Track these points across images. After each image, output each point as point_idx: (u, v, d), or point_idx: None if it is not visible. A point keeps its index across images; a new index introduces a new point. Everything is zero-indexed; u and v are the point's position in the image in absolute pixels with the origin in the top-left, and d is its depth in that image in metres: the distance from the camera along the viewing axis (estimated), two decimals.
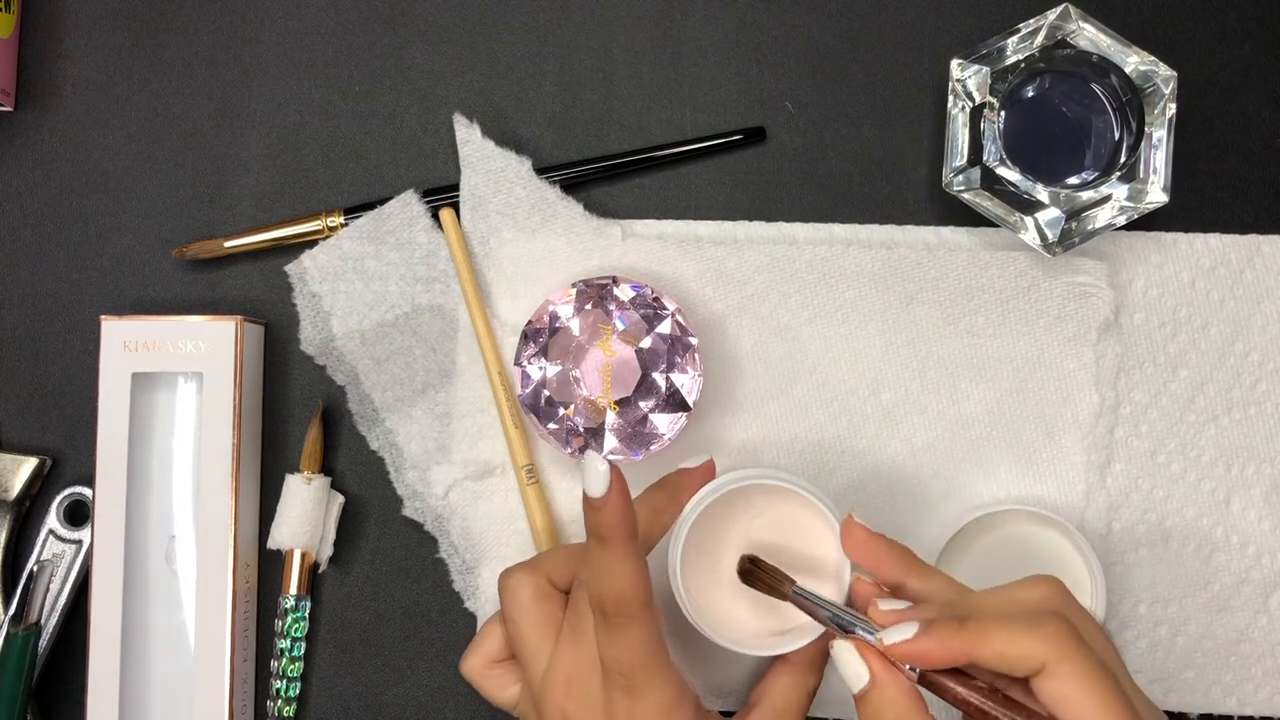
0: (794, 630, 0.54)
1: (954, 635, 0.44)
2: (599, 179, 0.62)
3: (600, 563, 0.46)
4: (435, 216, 0.61)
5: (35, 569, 0.60)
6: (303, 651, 0.61)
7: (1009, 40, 0.56)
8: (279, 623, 0.61)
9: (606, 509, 0.45)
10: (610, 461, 0.45)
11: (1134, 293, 0.59)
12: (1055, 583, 0.47)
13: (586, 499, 0.46)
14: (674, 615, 0.59)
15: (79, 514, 0.62)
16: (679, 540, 0.53)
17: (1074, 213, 0.56)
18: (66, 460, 0.63)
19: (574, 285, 0.57)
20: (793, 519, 0.55)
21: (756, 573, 0.52)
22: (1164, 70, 0.56)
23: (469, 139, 0.60)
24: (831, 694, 0.59)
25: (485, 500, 0.60)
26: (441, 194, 0.61)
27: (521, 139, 0.62)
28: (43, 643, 0.60)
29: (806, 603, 0.49)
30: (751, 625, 0.55)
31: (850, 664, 0.45)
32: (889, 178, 0.61)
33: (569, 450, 0.57)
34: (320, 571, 0.62)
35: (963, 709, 0.44)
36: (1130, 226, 0.58)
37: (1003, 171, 0.56)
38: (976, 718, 0.44)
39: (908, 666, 0.45)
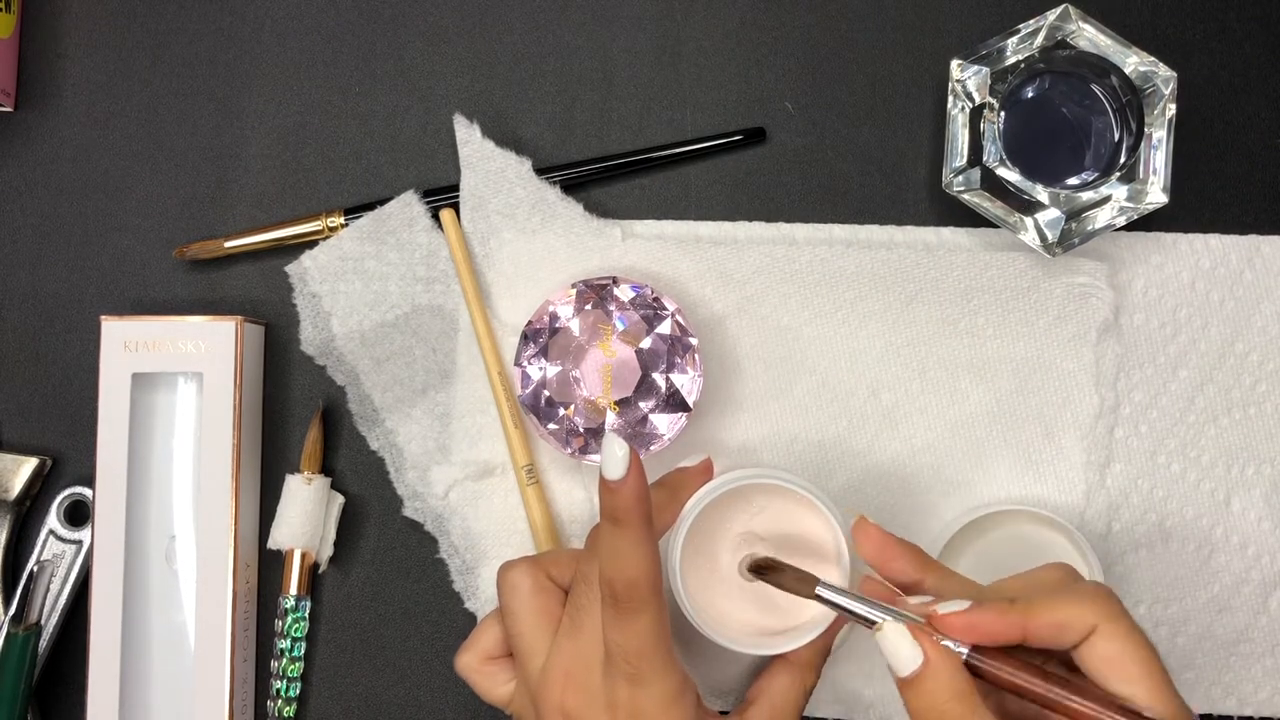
0: (793, 630, 0.54)
1: (1006, 610, 0.43)
2: (599, 179, 0.62)
3: (614, 545, 0.46)
4: (435, 217, 0.61)
5: (35, 569, 0.60)
6: (303, 651, 0.61)
7: (1009, 41, 0.56)
8: (279, 623, 0.61)
9: (623, 491, 0.45)
10: (629, 444, 0.45)
11: (1134, 293, 0.60)
12: (1069, 567, 0.47)
13: (603, 480, 0.45)
14: (673, 615, 0.59)
15: (79, 514, 0.62)
16: (678, 539, 0.53)
17: (1074, 213, 0.56)
18: (67, 460, 0.63)
19: (574, 285, 0.57)
20: (792, 518, 0.55)
21: (778, 570, 0.50)
22: (1164, 71, 0.56)
23: (469, 139, 0.60)
24: (831, 693, 0.59)
25: (485, 500, 0.60)
26: (442, 194, 0.61)
27: (521, 139, 0.62)
28: (43, 643, 0.60)
29: (834, 599, 0.47)
30: (750, 624, 0.55)
31: (903, 646, 0.43)
32: (889, 178, 0.61)
33: (569, 450, 0.57)
34: (320, 571, 0.62)
35: (1016, 691, 0.43)
36: (1130, 227, 0.58)
37: (1002, 172, 0.56)
38: (1031, 699, 0.43)
39: (956, 649, 0.43)
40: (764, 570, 0.51)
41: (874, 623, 0.45)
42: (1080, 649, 0.43)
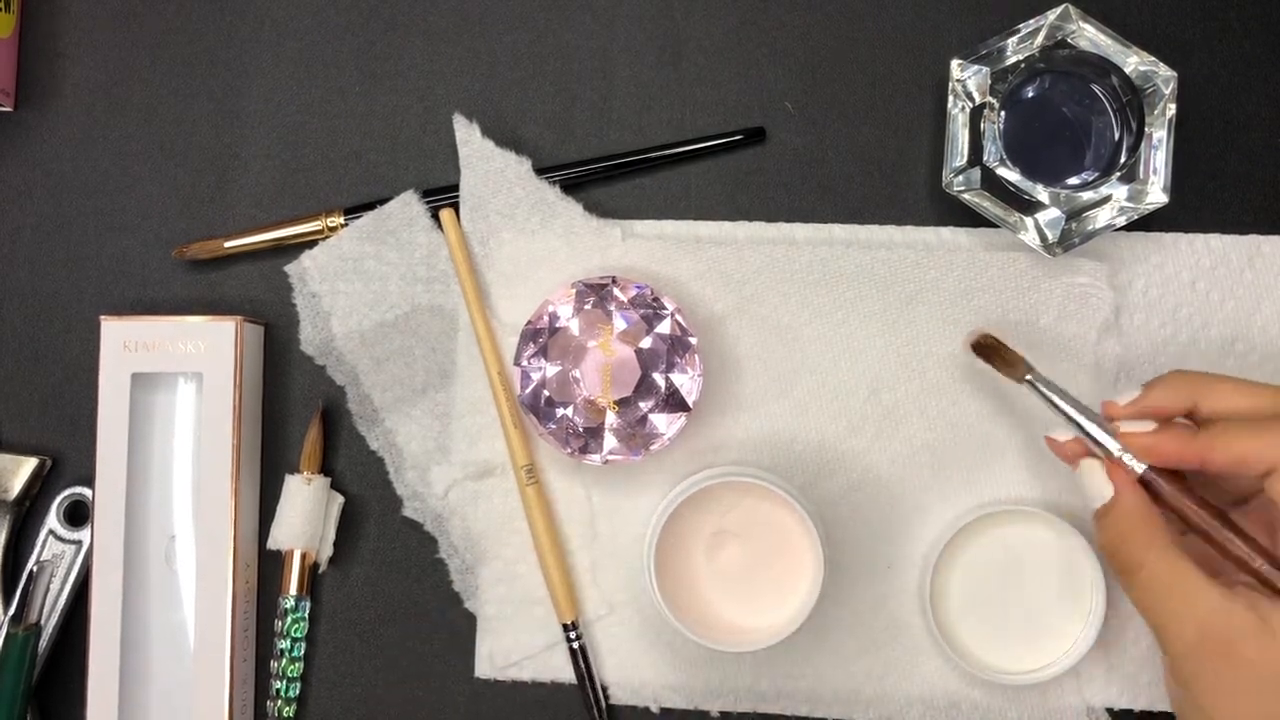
0: (771, 626, 0.55)
1: (1190, 440, 0.46)
2: (599, 179, 0.62)
3: None
4: (435, 217, 0.61)
5: (35, 569, 0.60)
6: (302, 652, 0.61)
7: (1009, 41, 0.56)
8: (279, 623, 0.61)
9: None
10: None
11: (1134, 293, 0.59)
12: None
13: None
14: (652, 618, 0.60)
15: (79, 514, 0.62)
16: (652, 543, 0.55)
17: (1074, 213, 0.56)
18: (66, 460, 0.63)
19: (574, 285, 0.57)
20: (763, 513, 0.57)
21: (997, 350, 0.54)
22: (1164, 70, 0.55)
23: (469, 139, 0.60)
24: (831, 693, 0.59)
25: (485, 500, 0.60)
26: (441, 194, 0.61)
27: (521, 139, 0.62)
28: (43, 643, 0.60)
29: (1043, 391, 0.50)
30: (729, 622, 0.56)
31: (1097, 480, 0.48)
32: (889, 178, 0.61)
33: (569, 450, 0.57)
34: (320, 572, 0.62)
35: (1181, 516, 0.47)
36: (1130, 227, 0.58)
37: (1003, 172, 0.56)
38: (1193, 527, 0.47)
39: (1134, 465, 0.47)
40: (983, 348, 0.54)
41: (1072, 419, 0.49)
42: (1266, 483, 0.45)
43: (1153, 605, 0.47)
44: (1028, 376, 0.52)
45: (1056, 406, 0.50)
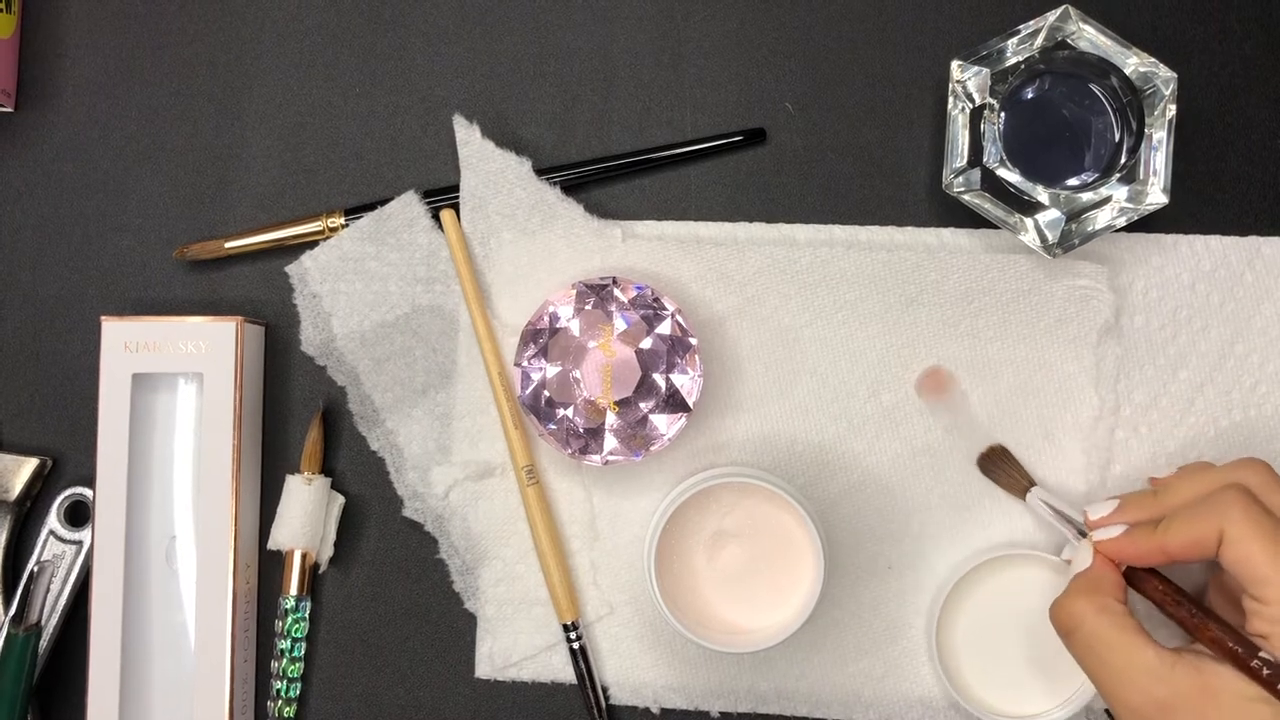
0: (769, 626, 0.55)
1: (1148, 537, 0.49)
2: (599, 180, 0.62)
3: None
4: (436, 217, 0.61)
5: (36, 569, 0.60)
6: (303, 652, 0.61)
7: (1009, 41, 0.56)
8: (279, 623, 0.61)
9: None
10: None
11: (1134, 295, 0.59)
12: (1253, 464, 0.50)
13: None
14: (652, 618, 0.60)
15: (79, 514, 0.62)
16: (652, 544, 0.55)
17: (1074, 214, 0.56)
18: (67, 461, 0.63)
19: (574, 286, 0.57)
20: (763, 514, 0.57)
21: (1001, 465, 0.58)
22: (1164, 71, 0.55)
23: (469, 140, 0.60)
24: (832, 693, 0.59)
25: (485, 501, 0.60)
26: (442, 195, 0.61)
27: (522, 140, 0.62)
28: (43, 643, 0.60)
29: (1047, 503, 0.56)
30: (728, 622, 0.56)
31: (1084, 554, 0.52)
32: (889, 179, 0.61)
33: (569, 451, 0.57)
34: (321, 572, 0.62)
35: (1160, 607, 0.50)
36: (1130, 228, 0.58)
37: (1003, 173, 0.56)
38: (1172, 618, 0.49)
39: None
40: (990, 461, 0.58)
41: (1075, 527, 0.55)
42: (1218, 556, 0.47)
43: (1096, 666, 0.48)
44: (1030, 495, 0.57)
45: (1058, 515, 0.56)
